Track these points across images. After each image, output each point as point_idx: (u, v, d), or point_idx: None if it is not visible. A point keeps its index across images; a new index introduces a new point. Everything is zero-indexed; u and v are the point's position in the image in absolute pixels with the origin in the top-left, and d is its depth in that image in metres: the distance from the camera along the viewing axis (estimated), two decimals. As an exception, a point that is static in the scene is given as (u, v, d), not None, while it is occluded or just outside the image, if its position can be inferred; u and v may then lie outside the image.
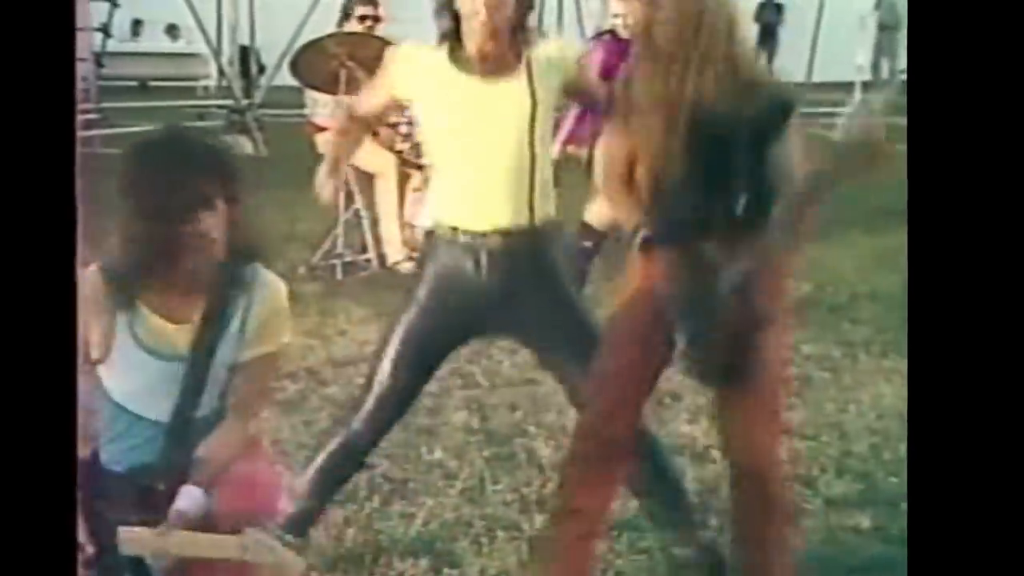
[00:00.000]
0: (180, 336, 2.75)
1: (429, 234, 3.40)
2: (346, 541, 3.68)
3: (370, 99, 3.55)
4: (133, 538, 2.48)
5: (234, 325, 2.77)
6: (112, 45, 16.27)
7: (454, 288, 3.32)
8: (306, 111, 7.65)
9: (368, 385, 3.38)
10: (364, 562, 3.55)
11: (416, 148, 6.96)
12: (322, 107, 7.42)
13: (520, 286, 3.30)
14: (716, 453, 4.28)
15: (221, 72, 15.43)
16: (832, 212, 3.53)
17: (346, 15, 7.50)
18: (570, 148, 6.14)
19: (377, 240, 7.30)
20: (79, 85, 10.13)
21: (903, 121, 2.00)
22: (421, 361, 3.38)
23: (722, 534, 3.42)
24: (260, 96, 14.48)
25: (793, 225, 2.86)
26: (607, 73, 5.67)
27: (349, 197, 7.27)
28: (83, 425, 2.19)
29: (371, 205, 7.34)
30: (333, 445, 3.45)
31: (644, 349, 3.00)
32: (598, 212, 5.99)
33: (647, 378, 3.07)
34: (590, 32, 14.40)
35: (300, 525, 3.44)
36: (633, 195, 3.01)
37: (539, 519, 3.81)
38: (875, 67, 20.30)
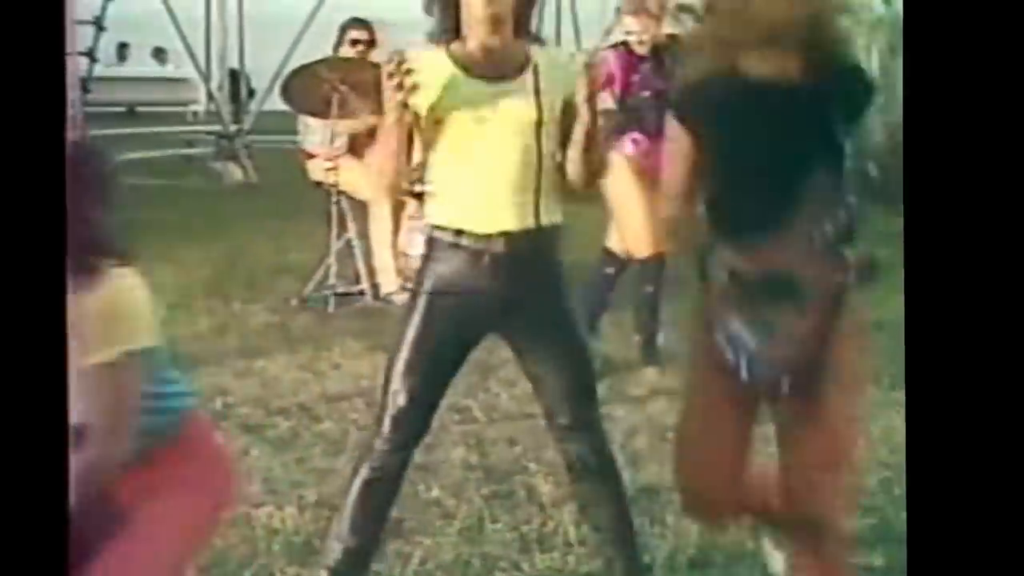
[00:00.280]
0: None
1: (430, 239, 3.41)
2: (340, 583, 3.67)
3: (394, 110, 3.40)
4: None
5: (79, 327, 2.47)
6: (98, 70, 16.32)
7: (456, 292, 3.34)
8: (297, 137, 7.68)
9: (382, 406, 3.39)
10: (359, 605, 3.54)
11: (414, 173, 6.96)
12: (313, 133, 7.44)
13: (522, 289, 3.33)
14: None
15: (210, 97, 15.46)
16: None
17: (340, 39, 7.54)
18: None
19: (370, 270, 7.31)
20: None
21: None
22: (432, 369, 3.38)
23: None
24: (250, 122, 14.53)
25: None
26: (615, 84, 5.78)
27: (341, 226, 7.28)
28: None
29: (364, 234, 7.35)
30: (362, 476, 3.43)
31: (727, 384, 2.97)
32: (619, 238, 5.98)
33: (740, 416, 3.03)
34: (587, 45, 14.47)
35: (355, 567, 3.43)
36: (694, 212, 3.03)
37: (540, 558, 3.81)
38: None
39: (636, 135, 5.83)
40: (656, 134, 5.75)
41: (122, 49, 21.84)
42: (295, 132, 7.73)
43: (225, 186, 13.00)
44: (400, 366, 3.35)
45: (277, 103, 8.02)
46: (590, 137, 3.25)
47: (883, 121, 9.66)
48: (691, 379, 3.18)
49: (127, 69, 21.58)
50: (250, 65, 15.67)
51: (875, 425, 5.16)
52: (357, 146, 7.37)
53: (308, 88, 7.09)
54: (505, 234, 3.30)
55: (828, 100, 2.87)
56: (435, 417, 3.44)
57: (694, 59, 3.05)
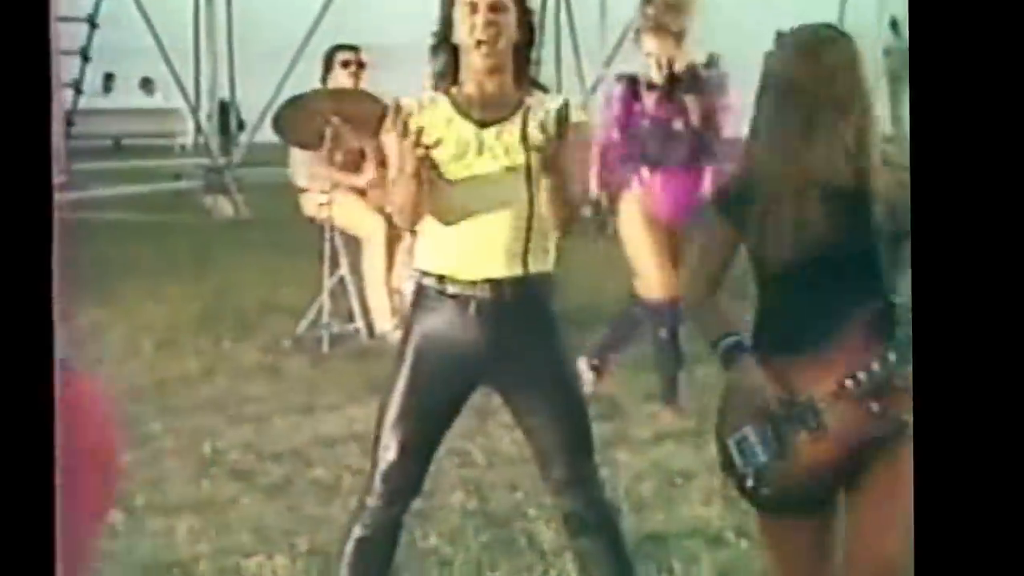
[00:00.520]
0: None
1: (418, 285, 3.45)
2: (334, 635, 3.67)
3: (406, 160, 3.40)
4: None
5: None
6: (82, 102, 16.40)
7: (444, 343, 3.37)
8: (289, 170, 7.71)
9: (373, 461, 3.41)
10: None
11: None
12: (305, 166, 7.47)
13: (511, 339, 3.36)
14: (731, 535, 4.28)
15: (199, 129, 15.52)
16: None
17: (328, 65, 7.58)
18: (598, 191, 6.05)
19: (365, 308, 7.33)
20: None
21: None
22: (422, 422, 3.40)
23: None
24: (240, 155, 14.58)
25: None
26: (624, 119, 5.79)
27: (335, 262, 7.30)
28: None
29: (358, 271, 7.38)
30: (355, 536, 3.44)
31: None
32: (647, 284, 5.86)
33: None
34: (590, 78, 14.55)
35: None
36: (717, 303, 3.04)
37: (541, 609, 3.82)
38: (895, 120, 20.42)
39: (642, 171, 5.82)
40: (661, 164, 5.79)
41: (108, 80, 21.91)
42: (287, 165, 7.77)
43: (214, 221, 13.04)
44: (389, 419, 3.37)
45: (268, 135, 8.06)
46: (555, 189, 3.27)
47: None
48: None
49: (113, 100, 21.65)
50: (240, 96, 15.76)
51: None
52: (348, 180, 7.39)
53: (300, 120, 7.12)
54: (491, 281, 3.33)
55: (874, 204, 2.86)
56: (431, 464, 3.45)
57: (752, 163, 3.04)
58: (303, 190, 7.51)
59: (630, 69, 5.98)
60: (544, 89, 3.49)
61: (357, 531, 3.42)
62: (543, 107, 3.36)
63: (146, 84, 22.29)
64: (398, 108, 3.27)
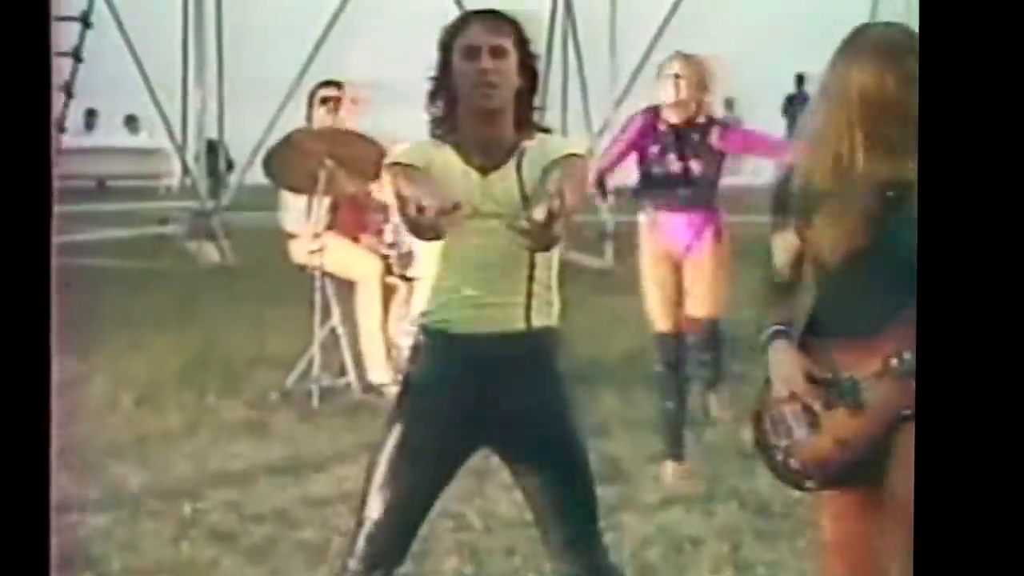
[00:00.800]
0: None
1: (416, 339, 3.47)
2: None
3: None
4: None
5: None
6: (64, 140, 16.47)
7: (442, 400, 3.39)
8: (279, 215, 7.75)
9: (357, 520, 3.42)
10: None
11: (404, 258, 7.04)
12: (295, 210, 7.51)
13: (511, 396, 3.37)
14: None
15: (185, 169, 15.62)
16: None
17: (311, 102, 7.64)
18: (609, 183, 6.21)
19: (358, 361, 7.35)
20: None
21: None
22: (413, 484, 3.40)
23: None
24: (228, 197, 14.63)
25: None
26: (638, 145, 5.90)
27: (326, 312, 7.33)
28: None
29: (351, 321, 7.40)
30: None
31: None
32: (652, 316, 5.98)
33: None
34: (597, 122, 14.63)
35: None
36: (793, 296, 3.27)
37: None
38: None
39: (650, 210, 5.97)
40: (670, 209, 5.90)
41: (90, 117, 22.02)
42: (277, 209, 7.81)
43: (200, 268, 13.08)
44: (378, 477, 3.37)
45: (258, 177, 8.11)
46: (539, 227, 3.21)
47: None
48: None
49: (96, 139, 21.73)
50: (229, 135, 15.83)
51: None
52: (341, 222, 7.43)
53: (292, 161, 7.18)
54: (493, 336, 3.35)
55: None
56: (421, 527, 3.46)
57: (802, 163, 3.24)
58: (293, 236, 7.55)
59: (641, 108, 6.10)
60: (547, 131, 3.52)
61: None
62: (539, 148, 3.39)
63: (130, 122, 22.39)
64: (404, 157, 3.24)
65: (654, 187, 5.95)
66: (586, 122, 14.75)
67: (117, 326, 8.63)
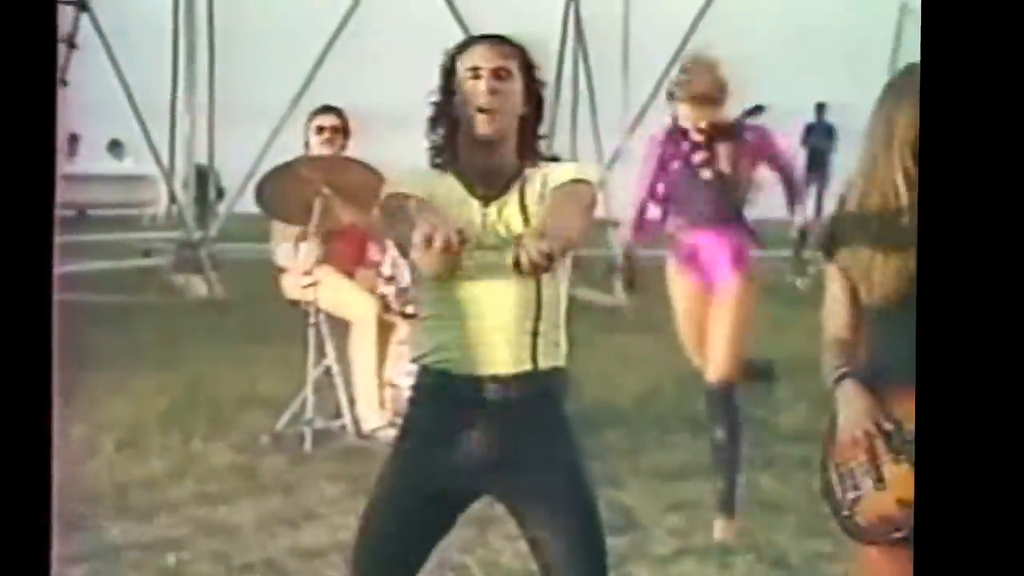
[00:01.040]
0: None
1: (415, 381, 3.48)
2: None
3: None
4: None
5: None
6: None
7: (442, 446, 3.39)
8: (271, 246, 7.76)
9: (352, 571, 3.42)
10: None
11: (403, 293, 7.05)
12: (285, 243, 7.51)
13: (516, 441, 3.38)
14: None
15: (172, 198, 15.62)
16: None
17: (308, 130, 7.64)
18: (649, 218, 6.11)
19: (353, 403, 7.35)
20: None
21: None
22: (408, 535, 3.41)
23: None
24: (218, 227, 14.63)
25: None
26: (662, 162, 5.86)
27: (320, 351, 7.33)
28: None
29: (346, 360, 7.40)
30: None
31: None
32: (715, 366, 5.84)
33: None
34: (609, 149, 14.65)
35: None
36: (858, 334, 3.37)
37: None
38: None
39: (678, 235, 5.91)
40: (696, 227, 5.86)
41: (72, 141, 22.07)
42: (269, 240, 7.82)
43: (187, 302, 13.08)
44: (373, 527, 3.39)
45: (250, 206, 8.13)
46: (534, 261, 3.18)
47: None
48: None
49: (77, 165, 21.77)
50: (220, 161, 15.84)
51: None
52: (335, 255, 7.44)
53: (286, 190, 7.18)
54: (497, 378, 3.35)
55: None
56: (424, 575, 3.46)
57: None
58: (285, 269, 7.56)
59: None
60: (555, 159, 3.53)
61: None
62: (544, 176, 3.40)
63: (115, 147, 22.46)
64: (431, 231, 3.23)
65: (675, 198, 5.91)
66: (597, 150, 14.78)
67: (97, 365, 8.63)
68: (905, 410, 3.18)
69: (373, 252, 7.51)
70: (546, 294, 3.37)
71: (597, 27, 15.08)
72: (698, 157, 5.79)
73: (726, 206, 5.79)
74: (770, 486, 6.29)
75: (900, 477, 3.20)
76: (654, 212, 6.00)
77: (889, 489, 3.21)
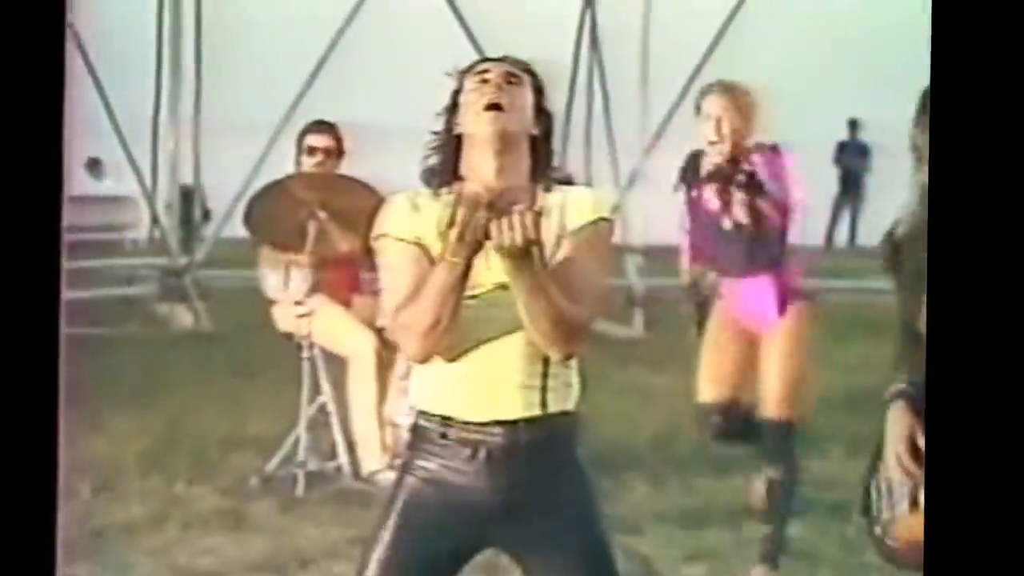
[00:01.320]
0: None
1: (414, 428, 3.47)
2: None
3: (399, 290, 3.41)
4: None
5: None
6: (16, 186, 16.52)
7: (445, 494, 3.39)
8: (261, 273, 7.74)
9: None
10: None
11: (404, 324, 7.02)
12: (274, 272, 7.49)
13: (524, 491, 3.38)
14: None
15: (155, 220, 15.60)
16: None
17: (300, 147, 7.62)
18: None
19: (350, 443, 7.33)
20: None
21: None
22: None
23: None
24: (204, 253, 14.63)
25: None
26: (700, 212, 5.88)
27: (315, 387, 7.31)
28: None
29: (343, 397, 7.38)
30: None
31: None
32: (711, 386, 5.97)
33: None
34: (626, 168, 14.65)
35: None
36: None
37: None
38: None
39: (720, 279, 5.93)
40: (733, 274, 5.86)
41: (48, 160, 22.14)
42: (258, 266, 7.81)
43: (171, 334, 13.08)
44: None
45: (239, 229, 8.12)
46: (542, 298, 3.26)
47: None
48: None
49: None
50: (206, 181, 15.86)
51: None
52: (330, 283, 7.42)
53: (278, 212, 7.17)
54: (503, 424, 3.35)
55: None
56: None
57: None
58: (276, 299, 7.54)
59: (674, 157, 6.10)
60: (568, 182, 3.53)
61: None
62: (560, 206, 3.40)
63: (93, 165, 22.51)
64: (459, 206, 3.26)
65: (707, 246, 5.92)
66: (613, 170, 14.78)
67: (72, 402, 8.61)
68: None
69: (371, 277, 7.49)
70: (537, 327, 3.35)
71: (614, 38, 15.10)
72: (721, 196, 5.80)
73: (758, 254, 5.78)
74: (803, 535, 6.26)
75: None
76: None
77: (920, 512, 3.27)
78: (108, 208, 21.33)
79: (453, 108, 3.47)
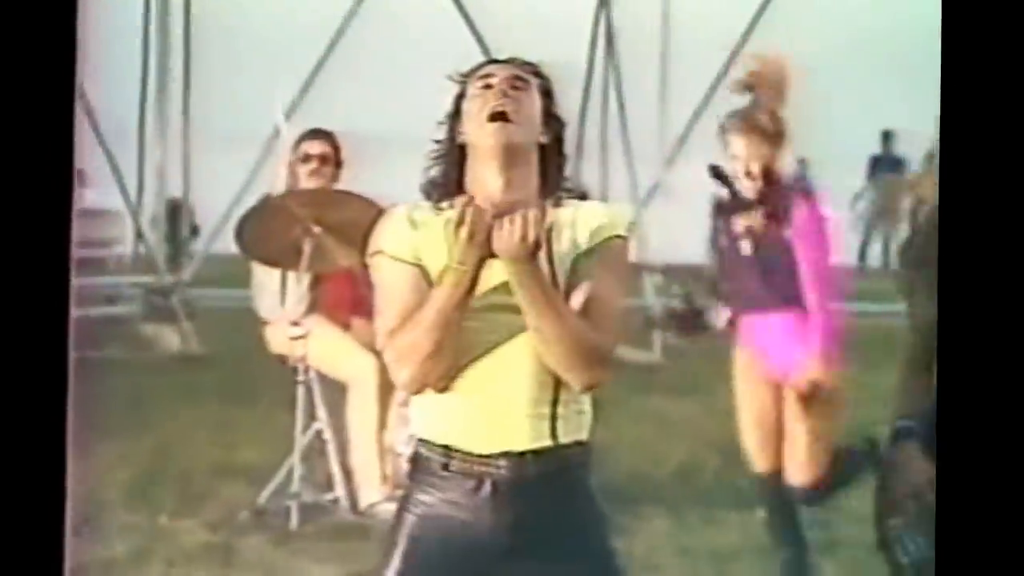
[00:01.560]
0: None
1: (414, 459, 3.46)
2: None
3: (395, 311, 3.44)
4: None
5: None
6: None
7: (447, 531, 3.38)
8: (252, 293, 7.74)
9: None
10: None
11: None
12: (269, 290, 7.49)
13: (533, 526, 3.36)
14: None
15: (140, 235, 15.61)
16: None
17: (294, 158, 7.61)
18: None
19: (347, 473, 7.32)
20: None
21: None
22: None
23: None
24: (192, 270, 14.65)
25: None
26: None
27: (310, 413, 7.30)
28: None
29: (340, 425, 7.37)
30: None
31: None
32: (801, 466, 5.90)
33: None
34: (644, 181, 14.65)
35: None
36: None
37: None
38: None
39: (739, 317, 5.90)
40: (754, 310, 5.83)
41: (26, 171, 22.20)
42: (249, 285, 7.81)
43: (156, 357, 13.09)
44: None
45: (229, 245, 8.12)
46: (560, 329, 3.26)
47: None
48: None
49: (32, 198, 21.88)
50: (195, 195, 15.87)
51: None
52: (327, 303, 7.42)
53: (271, 228, 7.18)
54: (510, 456, 3.34)
55: None
56: None
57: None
58: (269, 320, 7.54)
59: (696, 169, 6.09)
60: (583, 197, 3.52)
61: None
62: (572, 221, 3.39)
63: (76, 177, 22.59)
64: (469, 207, 3.26)
65: (736, 277, 5.89)
66: (631, 184, 14.78)
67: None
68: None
69: (371, 297, 7.48)
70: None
71: (631, 38, 15.10)
72: (752, 212, 5.77)
73: (783, 284, 5.75)
74: (836, 573, 6.26)
75: None
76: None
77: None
78: (90, 222, 21.35)
79: (456, 115, 3.45)
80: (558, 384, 3.34)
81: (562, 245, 3.35)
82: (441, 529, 3.38)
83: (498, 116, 3.34)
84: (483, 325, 3.33)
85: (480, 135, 3.36)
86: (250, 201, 8.13)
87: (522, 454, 3.34)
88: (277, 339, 7.45)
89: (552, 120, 3.45)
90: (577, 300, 3.27)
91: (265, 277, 7.52)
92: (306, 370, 7.26)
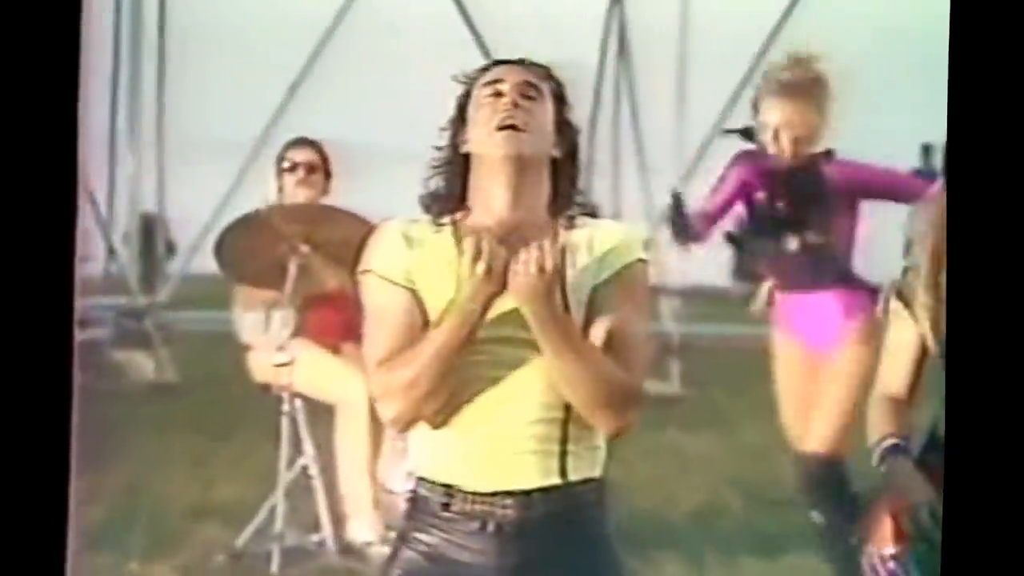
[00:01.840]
0: None
1: (414, 496, 3.46)
2: None
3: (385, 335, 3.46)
4: None
5: None
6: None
7: (449, 569, 3.38)
8: (233, 316, 7.75)
9: None
10: None
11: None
12: (251, 313, 7.50)
13: (541, 570, 3.37)
14: None
15: (111, 253, 15.63)
16: None
17: (279, 169, 7.62)
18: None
19: (335, 513, 7.31)
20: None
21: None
22: None
23: None
24: (168, 292, 14.67)
25: None
26: (743, 199, 5.90)
27: (295, 446, 7.30)
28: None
29: (327, 460, 7.37)
30: None
31: None
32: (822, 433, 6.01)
33: None
34: (659, 201, 14.69)
35: None
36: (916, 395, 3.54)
37: None
38: None
39: (775, 295, 5.98)
40: (792, 289, 5.89)
41: (-13, 184, 22.21)
42: (230, 307, 7.81)
43: (129, 385, 13.10)
44: None
45: (208, 264, 8.12)
46: (585, 368, 3.27)
47: None
48: None
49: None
50: (170, 209, 15.90)
51: None
52: (315, 326, 7.42)
53: (254, 246, 7.18)
54: (516, 495, 3.34)
55: None
56: None
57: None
58: (252, 345, 7.54)
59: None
60: (593, 214, 3.52)
61: None
62: (587, 244, 3.38)
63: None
64: (484, 240, 3.25)
65: (767, 253, 5.95)
66: (645, 198, 14.81)
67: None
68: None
69: (361, 320, 7.48)
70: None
71: (645, 41, 15.13)
72: (786, 182, 5.81)
73: (826, 269, 5.83)
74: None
75: None
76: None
77: None
78: (57, 240, 21.44)
79: (460, 121, 3.44)
80: (568, 418, 3.33)
81: (576, 271, 3.35)
82: (440, 571, 3.38)
83: (508, 126, 3.34)
84: (487, 358, 3.33)
85: (487, 145, 3.36)
86: (230, 216, 8.11)
87: (529, 493, 3.34)
88: (260, 366, 7.46)
89: (566, 129, 3.45)
90: (598, 335, 3.27)
91: (247, 298, 7.52)
92: (291, 399, 7.25)
